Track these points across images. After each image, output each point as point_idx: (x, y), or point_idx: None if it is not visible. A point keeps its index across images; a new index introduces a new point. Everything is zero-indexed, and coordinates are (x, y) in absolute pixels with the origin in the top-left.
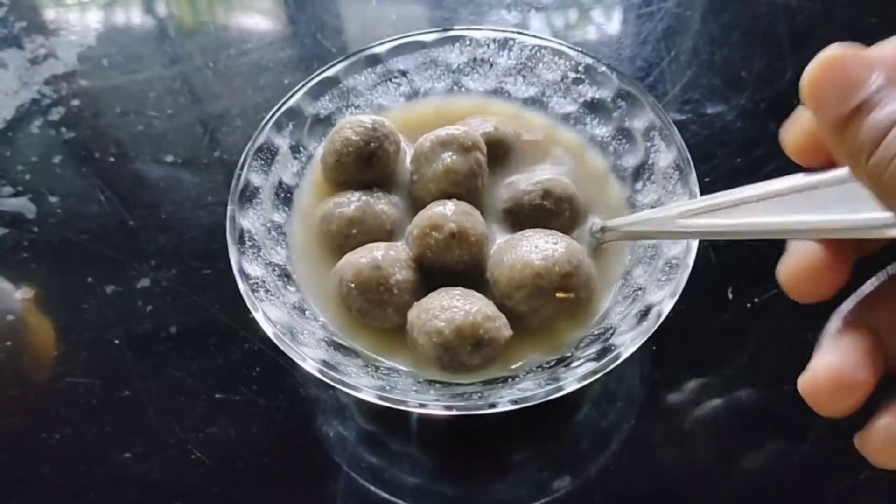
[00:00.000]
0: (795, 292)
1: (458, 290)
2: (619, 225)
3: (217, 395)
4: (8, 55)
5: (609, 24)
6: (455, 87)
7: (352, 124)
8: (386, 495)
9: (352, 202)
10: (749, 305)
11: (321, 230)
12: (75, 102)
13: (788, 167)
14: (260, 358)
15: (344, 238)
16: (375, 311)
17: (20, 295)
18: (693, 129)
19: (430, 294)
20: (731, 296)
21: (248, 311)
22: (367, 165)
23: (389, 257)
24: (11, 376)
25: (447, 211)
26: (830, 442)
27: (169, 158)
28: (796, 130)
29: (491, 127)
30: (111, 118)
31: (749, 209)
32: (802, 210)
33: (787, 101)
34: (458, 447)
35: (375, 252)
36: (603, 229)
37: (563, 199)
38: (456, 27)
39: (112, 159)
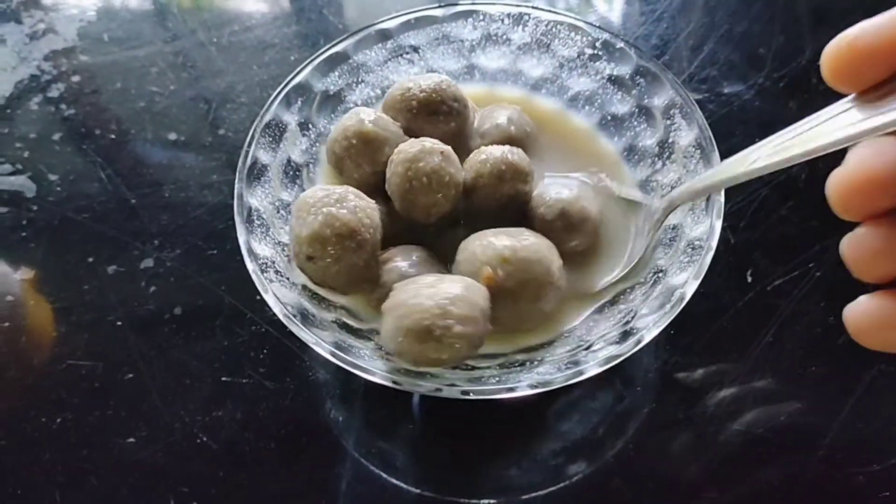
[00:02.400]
0: (843, 204)
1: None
2: (683, 192)
3: (223, 378)
4: (6, 30)
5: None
6: (468, 67)
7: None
8: (395, 481)
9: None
10: (769, 288)
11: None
12: (75, 78)
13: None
14: (267, 340)
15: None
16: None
17: (19, 275)
18: (710, 107)
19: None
20: (750, 278)
21: (255, 293)
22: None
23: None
24: (11, 359)
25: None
26: (854, 428)
27: (171, 136)
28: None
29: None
30: (112, 95)
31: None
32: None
33: (807, 80)
34: (471, 433)
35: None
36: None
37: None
38: (469, 2)
39: (113, 136)
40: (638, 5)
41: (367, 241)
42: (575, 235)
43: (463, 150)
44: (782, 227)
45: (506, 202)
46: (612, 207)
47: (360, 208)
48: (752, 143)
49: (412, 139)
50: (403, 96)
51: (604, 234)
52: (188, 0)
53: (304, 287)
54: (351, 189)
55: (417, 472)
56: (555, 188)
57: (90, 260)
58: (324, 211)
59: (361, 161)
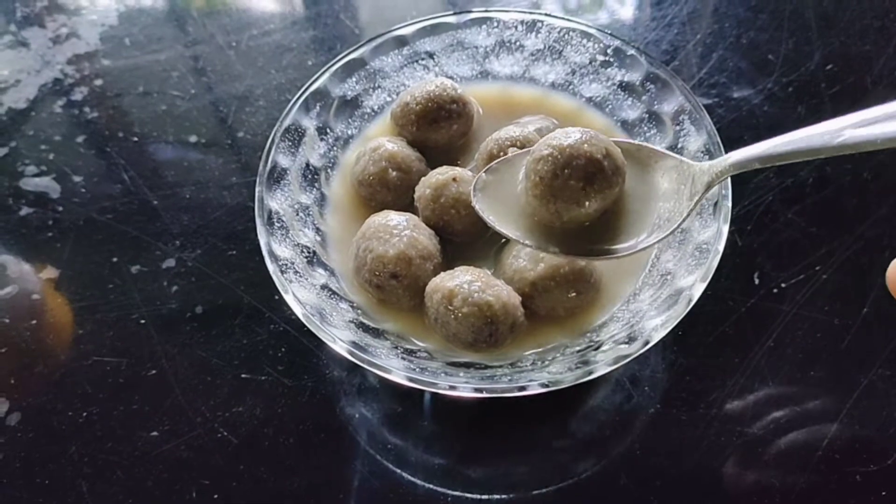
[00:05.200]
0: None
1: (476, 270)
2: (745, 158)
3: (243, 375)
4: (30, 34)
5: (634, 6)
6: (482, 72)
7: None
8: (409, 476)
9: None
10: (775, 290)
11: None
12: (98, 82)
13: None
14: (285, 339)
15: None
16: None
17: (45, 275)
18: (720, 112)
19: (445, 273)
20: (757, 281)
21: (274, 292)
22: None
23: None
24: (38, 355)
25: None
26: (852, 429)
27: (192, 139)
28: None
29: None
30: (134, 98)
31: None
32: None
33: (815, 85)
34: (483, 429)
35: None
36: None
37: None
38: (483, 9)
39: (135, 139)
40: (649, 11)
41: (440, 263)
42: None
43: (472, 147)
44: (788, 231)
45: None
46: (644, 170)
47: (431, 234)
48: None
49: (429, 173)
50: (403, 111)
51: (632, 195)
52: (202, 1)
53: (354, 305)
54: (414, 216)
55: (430, 467)
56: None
57: (114, 260)
58: (406, 234)
59: (390, 197)
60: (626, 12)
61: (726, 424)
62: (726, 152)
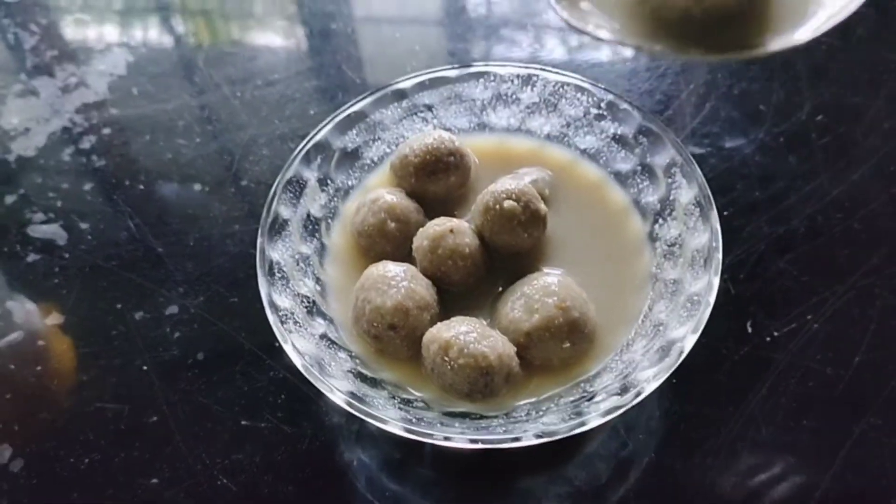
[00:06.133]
0: None
1: (473, 321)
2: None
3: (243, 422)
4: (40, 83)
5: (628, 57)
6: (479, 124)
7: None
8: None
9: None
10: (769, 339)
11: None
12: (106, 131)
13: (808, 200)
14: (285, 386)
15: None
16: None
17: (51, 321)
18: (712, 162)
19: (442, 324)
20: (750, 329)
21: (274, 339)
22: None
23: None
24: (42, 401)
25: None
26: (851, 477)
27: (197, 186)
28: None
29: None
30: (140, 146)
31: None
32: None
33: (806, 135)
34: (480, 477)
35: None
36: None
37: None
38: (481, 63)
39: (141, 187)
40: (644, 61)
41: (437, 314)
42: None
43: (469, 198)
44: (781, 280)
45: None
46: None
47: (429, 285)
48: (753, 196)
49: (427, 224)
50: (402, 163)
51: None
52: (218, 50)
53: (352, 354)
54: (412, 267)
55: None
56: None
57: (118, 306)
58: (403, 285)
59: (389, 247)
60: (622, 63)
61: (721, 474)
62: (715, 201)
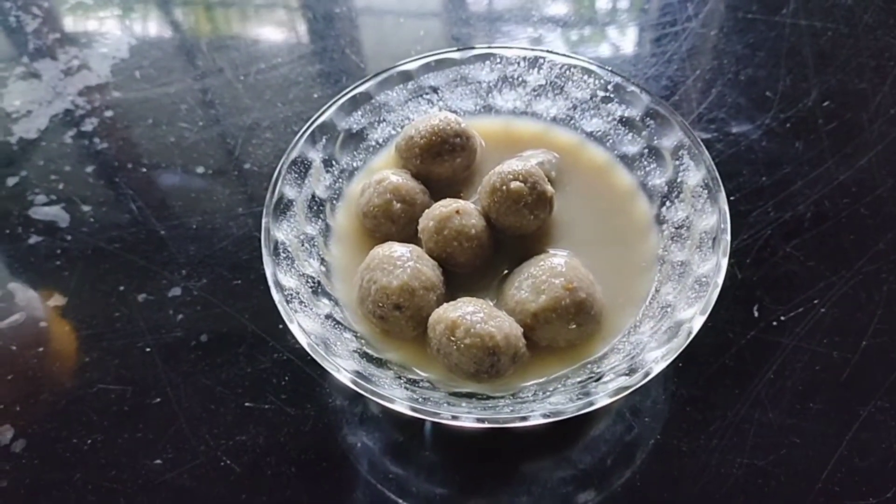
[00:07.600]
0: None
1: (479, 301)
2: None
3: (246, 404)
4: (42, 66)
5: (634, 43)
6: (485, 107)
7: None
8: None
9: None
10: (775, 323)
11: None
12: (108, 113)
13: (815, 186)
14: (288, 367)
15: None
16: None
17: (53, 302)
18: (719, 147)
19: (448, 304)
20: (756, 313)
21: (278, 321)
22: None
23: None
24: (44, 382)
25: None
26: (851, 462)
27: (200, 169)
28: None
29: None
30: (143, 129)
31: None
32: None
33: (812, 121)
34: (484, 460)
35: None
36: None
37: None
38: (486, 45)
39: (144, 170)
40: (649, 47)
41: (443, 294)
42: None
43: (475, 180)
44: (787, 265)
45: None
46: None
47: (435, 265)
48: (759, 181)
49: (433, 205)
50: (408, 144)
51: None
52: (221, 34)
53: (357, 335)
54: (418, 248)
55: (431, 497)
56: None
57: (121, 288)
58: (409, 265)
59: (394, 228)
60: (627, 48)
61: (727, 455)
62: (725, 185)
